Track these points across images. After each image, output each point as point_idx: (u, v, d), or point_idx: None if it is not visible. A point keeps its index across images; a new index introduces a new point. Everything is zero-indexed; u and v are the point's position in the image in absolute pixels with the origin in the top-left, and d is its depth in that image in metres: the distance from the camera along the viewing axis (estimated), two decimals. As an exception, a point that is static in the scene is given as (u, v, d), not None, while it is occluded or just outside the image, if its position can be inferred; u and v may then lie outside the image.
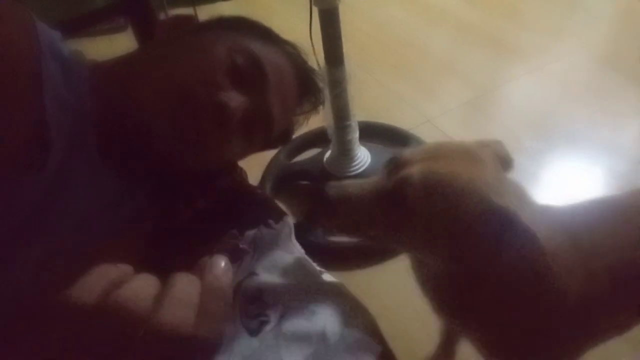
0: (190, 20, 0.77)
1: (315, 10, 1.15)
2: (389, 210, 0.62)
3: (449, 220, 0.59)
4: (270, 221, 0.75)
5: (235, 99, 0.67)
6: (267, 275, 0.69)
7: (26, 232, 0.58)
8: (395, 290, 1.21)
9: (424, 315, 1.16)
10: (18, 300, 0.56)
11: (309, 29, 1.19)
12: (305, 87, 0.82)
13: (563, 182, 1.42)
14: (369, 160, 1.40)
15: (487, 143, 0.67)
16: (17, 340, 0.52)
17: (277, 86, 0.73)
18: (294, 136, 1.44)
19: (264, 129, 0.74)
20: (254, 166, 1.42)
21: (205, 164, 0.73)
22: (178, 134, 0.65)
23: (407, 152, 0.65)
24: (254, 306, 0.67)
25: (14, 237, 0.57)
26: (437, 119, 1.65)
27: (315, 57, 1.21)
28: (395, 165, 0.64)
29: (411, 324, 1.14)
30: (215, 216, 0.74)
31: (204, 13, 0.83)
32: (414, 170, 0.60)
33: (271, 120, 0.75)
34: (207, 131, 0.67)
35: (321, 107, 0.90)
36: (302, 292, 0.68)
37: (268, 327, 0.65)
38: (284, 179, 1.46)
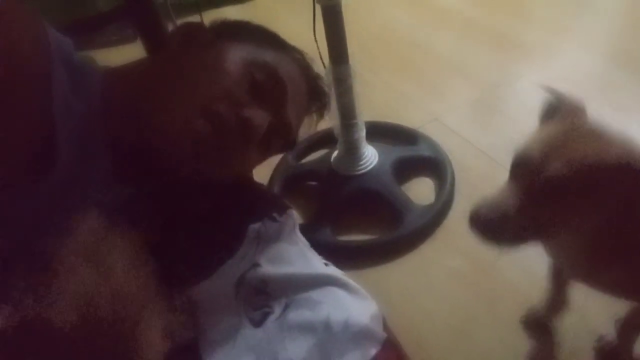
0: (200, 28, 0.77)
1: (318, 9, 1.16)
2: (551, 210, 0.63)
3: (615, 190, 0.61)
4: (275, 214, 0.75)
5: (258, 115, 0.67)
6: (271, 267, 0.70)
7: (33, 236, 0.58)
8: (404, 288, 1.21)
9: (433, 313, 1.16)
10: (23, 300, 0.57)
11: (312, 29, 1.19)
12: (312, 93, 0.83)
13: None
14: (377, 158, 1.39)
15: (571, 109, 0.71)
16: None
17: (293, 97, 0.75)
18: (301, 138, 1.45)
19: (282, 140, 0.76)
20: (262, 168, 1.42)
21: (223, 176, 0.73)
22: (203, 151, 0.65)
23: (529, 153, 0.66)
24: (257, 298, 0.67)
25: (20, 241, 0.57)
26: (445, 116, 1.65)
27: (320, 55, 1.22)
28: (525, 169, 0.65)
29: (420, 321, 1.14)
30: (220, 211, 0.75)
31: (210, 18, 0.84)
32: (560, 168, 0.61)
33: (290, 131, 0.76)
34: (233, 148, 0.67)
35: (326, 111, 0.91)
36: (306, 283, 0.68)
37: (272, 318, 0.65)
38: (292, 179, 1.46)
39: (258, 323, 0.64)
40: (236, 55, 0.70)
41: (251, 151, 0.71)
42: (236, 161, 0.72)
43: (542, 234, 0.67)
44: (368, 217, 1.36)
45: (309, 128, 0.85)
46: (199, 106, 0.64)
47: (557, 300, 1.07)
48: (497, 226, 0.65)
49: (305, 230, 0.90)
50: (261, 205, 0.77)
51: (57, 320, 0.57)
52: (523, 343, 1.08)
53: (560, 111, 0.71)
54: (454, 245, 1.27)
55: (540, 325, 1.09)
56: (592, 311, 1.05)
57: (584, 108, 0.71)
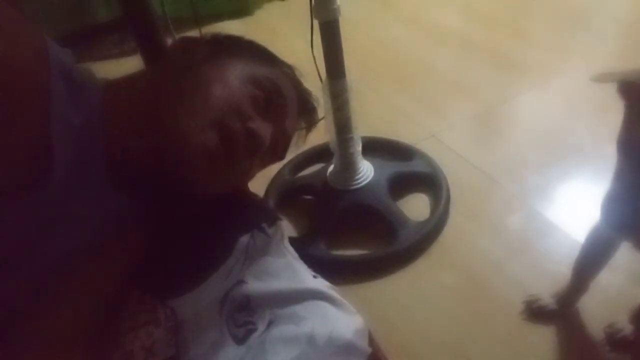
0: (199, 42, 0.78)
1: (316, 24, 1.17)
2: None
3: None
4: (264, 225, 0.75)
5: (263, 127, 0.69)
6: (256, 282, 0.69)
7: (30, 246, 0.58)
8: (398, 303, 1.20)
9: (427, 329, 1.15)
10: (20, 306, 0.57)
11: (310, 43, 1.20)
12: (303, 108, 0.84)
13: (569, 194, 1.41)
14: (372, 174, 1.39)
15: None
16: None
17: (290, 109, 0.76)
18: (297, 152, 1.45)
19: (282, 151, 0.77)
20: (258, 181, 1.42)
21: (226, 188, 0.74)
22: (215, 163, 0.65)
23: None
24: (241, 314, 0.67)
25: (17, 252, 0.57)
26: (442, 134, 1.65)
27: (317, 70, 1.23)
28: None
29: (413, 337, 1.13)
30: (211, 219, 0.75)
31: (208, 33, 0.85)
32: None
33: (289, 143, 0.78)
34: (241, 160, 0.68)
35: (314, 126, 0.92)
36: (292, 297, 0.68)
37: (255, 335, 0.64)
38: (287, 193, 1.46)
39: (241, 340, 0.64)
40: (237, 70, 0.71)
41: (255, 163, 0.72)
42: (241, 173, 0.73)
43: None
44: (363, 231, 1.36)
45: (297, 141, 0.85)
46: (210, 119, 0.65)
47: (576, 294, 1.08)
48: None
49: (300, 244, 0.89)
50: (251, 215, 0.77)
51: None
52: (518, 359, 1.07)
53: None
54: (449, 261, 1.27)
55: (544, 314, 1.11)
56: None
57: None
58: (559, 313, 1.10)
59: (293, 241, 0.85)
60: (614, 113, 0.79)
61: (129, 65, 1.95)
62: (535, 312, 1.11)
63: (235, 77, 0.69)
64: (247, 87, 0.69)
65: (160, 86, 0.70)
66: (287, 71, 0.82)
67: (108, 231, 0.66)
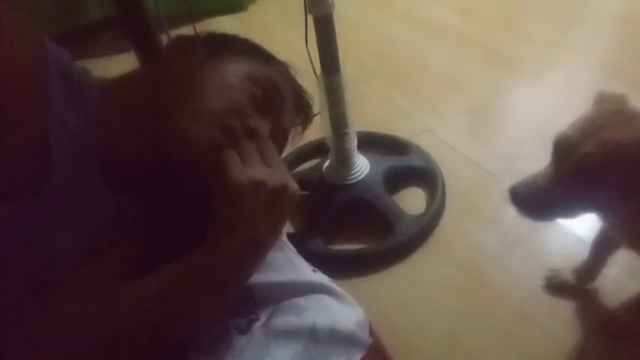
0: (195, 41, 0.78)
1: (310, 19, 1.17)
2: (579, 186, 0.68)
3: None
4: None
5: (262, 126, 0.70)
6: (258, 274, 0.70)
7: (30, 246, 0.58)
8: (395, 297, 1.21)
9: (424, 322, 1.16)
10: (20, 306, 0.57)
11: (304, 39, 1.20)
12: (299, 105, 0.84)
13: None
14: (368, 168, 1.39)
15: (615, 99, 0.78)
16: None
17: (288, 107, 0.77)
18: (294, 148, 1.45)
19: (280, 148, 0.78)
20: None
21: None
22: (215, 163, 0.66)
23: (568, 134, 0.73)
24: (243, 305, 0.67)
25: (16, 252, 0.57)
26: (436, 128, 1.66)
27: (312, 65, 1.23)
28: (564, 149, 0.72)
29: (411, 331, 1.13)
30: (209, 216, 0.75)
31: (202, 29, 0.85)
32: (590, 147, 0.67)
33: (287, 140, 0.79)
34: None
35: (309, 123, 0.93)
36: (292, 289, 0.68)
37: (257, 325, 0.65)
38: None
39: (244, 330, 0.64)
40: (235, 69, 0.71)
41: None
42: None
43: (572, 208, 0.72)
44: (359, 226, 1.36)
45: (293, 138, 0.86)
46: (210, 119, 0.66)
47: (594, 269, 1.11)
48: (531, 201, 0.71)
49: (297, 240, 0.90)
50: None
51: None
52: (514, 352, 1.08)
53: (604, 100, 0.78)
54: (445, 255, 1.27)
55: (565, 288, 1.14)
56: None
57: (624, 98, 0.78)
58: (578, 288, 1.13)
59: (291, 237, 0.86)
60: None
61: (123, 63, 1.95)
62: (557, 287, 1.15)
63: (233, 76, 0.70)
64: (246, 85, 0.70)
65: (158, 87, 0.70)
66: (282, 68, 0.83)
67: (107, 231, 0.67)
